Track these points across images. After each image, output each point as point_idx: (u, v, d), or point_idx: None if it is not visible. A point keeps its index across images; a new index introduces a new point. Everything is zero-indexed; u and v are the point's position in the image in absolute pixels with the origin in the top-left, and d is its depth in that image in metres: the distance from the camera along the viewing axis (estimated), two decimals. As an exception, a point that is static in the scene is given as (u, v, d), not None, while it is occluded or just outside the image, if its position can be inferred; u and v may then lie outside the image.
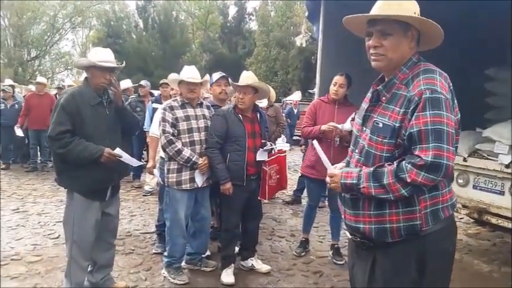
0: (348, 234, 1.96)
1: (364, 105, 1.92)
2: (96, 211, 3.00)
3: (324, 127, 3.93)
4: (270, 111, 6.18)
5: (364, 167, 1.79)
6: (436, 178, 1.60)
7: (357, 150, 1.89)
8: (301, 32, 5.93)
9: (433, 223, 1.73)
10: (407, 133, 1.65)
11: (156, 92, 8.05)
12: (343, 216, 1.96)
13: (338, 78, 4.05)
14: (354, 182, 1.75)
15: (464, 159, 4.10)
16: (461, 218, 5.64)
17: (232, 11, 33.31)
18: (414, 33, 1.75)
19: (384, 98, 1.80)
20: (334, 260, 4.21)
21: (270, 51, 29.13)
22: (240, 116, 3.62)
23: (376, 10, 1.78)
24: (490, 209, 3.91)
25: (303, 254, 4.38)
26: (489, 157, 3.90)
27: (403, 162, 1.64)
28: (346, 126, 3.85)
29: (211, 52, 30.57)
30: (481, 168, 3.97)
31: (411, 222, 1.72)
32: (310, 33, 5.85)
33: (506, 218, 3.77)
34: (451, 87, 1.72)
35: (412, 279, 1.74)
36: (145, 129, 6.12)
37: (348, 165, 1.96)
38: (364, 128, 1.86)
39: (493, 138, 3.87)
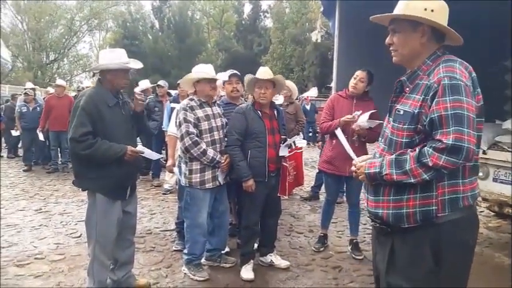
0: (369, 221, 2.05)
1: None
2: (118, 210, 3.08)
3: (342, 119, 3.92)
4: (290, 108, 6.19)
5: (387, 155, 1.86)
6: (458, 161, 1.64)
7: (382, 140, 1.99)
8: (316, 28, 5.92)
9: (449, 210, 1.76)
10: (428, 119, 1.71)
11: (173, 92, 8.15)
12: (365, 204, 2.03)
13: (359, 73, 4.04)
14: (377, 170, 1.82)
15: (484, 152, 4.05)
16: (481, 212, 5.58)
17: (247, 8, 33.41)
18: (426, 29, 1.84)
19: (407, 89, 1.89)
20: (353, 255, 4.21)
21: (286, 48, 29.10)
22: (259, 112, 3.65)
23: (394, 11, 1.95)
24: (510, 202, 3.86)
25: (321, 249, 4.40)
26: (509, 149, 3.84)
27: (425, 147, 1.69)
28: (362, 122, 3.84)
29: (226, 50, 30.70)
30: (501, 160, 3.93)
31: (427, 208, 1.76)
32: (325, 29, 5.84)
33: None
34: (473, 76, 1.77)
35: (429, 268, 1.76)
36: (163, 129, 6.20)
37: (374, 157, 2.02)
38: (390, 118, 1.95)
39: (513, 130, 3.81)
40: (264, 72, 3.70)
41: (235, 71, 4.14)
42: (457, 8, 4.30)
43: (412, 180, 1.72)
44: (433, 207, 1.76)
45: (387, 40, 1.93)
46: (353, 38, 4.74)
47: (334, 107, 4.12)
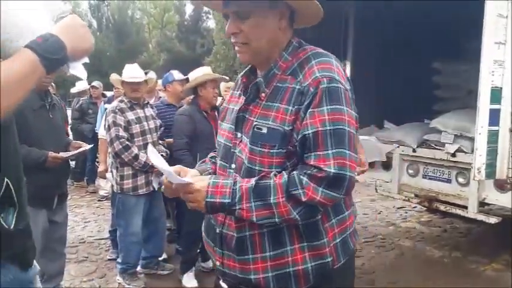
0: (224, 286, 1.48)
1: (233, 105, 1.49)
2: (43, 220, 2.86)
3: None
4: None
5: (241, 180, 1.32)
6: (338, 196, 1.22)
7: (233, 166, 1.39)
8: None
9: (343, 257, 1.37)
10: (299, 136, 1.24)
11: (109, 93, 7.83)
12: (217, 263, 1.42)
13: None
14: (227, 201, 1.25)
15: (414, 150, 4.22)
16: (414, 207, 5.83)
17: (189, 9, 33.02)
18: (285, 11, 1.33)
19: (263, 95, 1.35)
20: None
21: (229, 49, 29.03)
22: (204, 113, 3.54)
23: None
24: (439, 197, 4.05)
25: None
26: (436, 147, 4.02)
27: (295, 173, 1.23)
28: None
29: (168, 51, 30.18)
30: (429, 158, 4.10)
31: (320, 261, 1.32)
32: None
33: (453, 204, 3.91)
34: (348, 76, 1.38)
35: None
36: (96, 131, 5.93)
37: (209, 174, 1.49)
38: (240, 135, 1.38)
39: (440, 128, 3.99)
40: (209, 72, 3.63)
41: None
42: (391, 8, 4.53)
43: (276, 220, 1.23)
44: (328, 259, 1.32)
45: (229, 29, 1.33)
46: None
47: None
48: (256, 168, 1.30)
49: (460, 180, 3.85)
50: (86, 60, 1.26)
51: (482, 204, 3.68)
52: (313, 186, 1.20)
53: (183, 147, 3.45)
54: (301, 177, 1.22)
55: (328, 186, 1.20)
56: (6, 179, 1.21)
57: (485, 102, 3.00)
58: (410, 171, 4.36)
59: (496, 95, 3.02)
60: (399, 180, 4.45)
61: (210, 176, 1.37)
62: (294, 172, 1.24)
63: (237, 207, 1.25)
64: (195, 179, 1.33)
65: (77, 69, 1.24)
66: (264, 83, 1.35)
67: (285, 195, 1.21)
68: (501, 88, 3.03)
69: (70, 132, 6.37)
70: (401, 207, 6.07)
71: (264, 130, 1.30)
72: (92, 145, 3.81)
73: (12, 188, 1.24)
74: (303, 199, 1.20)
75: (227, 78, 4.10)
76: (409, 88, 5.24)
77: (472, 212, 3.67)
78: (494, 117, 3.05)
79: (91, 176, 7.24)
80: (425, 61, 4.96)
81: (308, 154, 1.23)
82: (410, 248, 4.52)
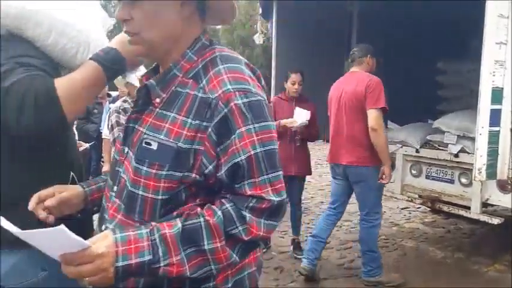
0: None
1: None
2: None
3: (283, 122, 3.97)
4: None
5: (129, 221, 1.04)
6: (277, 224, 1.03)
7: (115, 189, 1.11)
8: (257, 31, 5.94)
9: None
10: (228, 166, 0.98)
11: (114, 93, 7.88)
12: None
13: (295, 77, 4.08)
14: (147, 258, 0.91)
15: (417, 151, 4.21)
16: (418, 208, 5.82)
17: (195, 9, 33.11)
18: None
19: (158, 100, 1.07)
20: (295, 255, 4.25)
21: (235, 50, 29.01)
22: None
23: None
24: (441, 198, 4.04)
25: (264, 250, 4.39)
26: (439, 147, 4.02)
27: (230, 208, 0.98)
28: (299, 120, 3.93)
29: (175, 51, 30.30)
30: (432, 158, 4.10)
31: None
32: (266, 31, 5.88)
33: (456, 205, 3.91)
34: (263, 83, 1.14)
35: None
36: (101, 131, 5.98)
37: (105, 215, 1.12)
38: (126, 150, 1.10)
39: (443, 129, 3.99)
40: None
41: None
42: (395, 7, 4.53)
43: (213, 268, 0.97)
44: None
45: (119, 14, 1.07)
46: (291, 39, 4.80)
47: (276, 110, 4.15)
48: (140, 193, 1.02)
49: (463, 180, 3.85)
50: (139, 69, 1.46)
51: (485, 205, 3.67)
52: (256, 220, 0.98)
53: None
54: (242, 212, 0.97)
55: (269, 216, 0.99)
56: (71, 173, 1.42)
57: (486, 102, 2.99)
58: (414, 172, 4.35)
59: (497, 95, 3.01)
60: (402, 180, 4.45)
61: (110, 231, 0.95)
62: (228, 206, 0.98)
63: (163, 264, 0.92)
64: (92, 240, 0.90)
65: (131, 77, 1.41)
66: (157, 86, 1.07)
67: (223, 238, 0.95)
68: (502, 88, 3.02)
69: (75, 132, 6.42)
70: (405, 208, 6.05)
71: (154, 146, 1.01)
72: (93, 142, 3.85)
73: (76, 180, 1.42)
74: (245, 238, 0.97)
75: None
76: (413, 88, 5.24)
77: (475, 213, 3.66)
78: (495, 117, 3.04)
79: (96, 175, 7.30)
80: (429, 61, 4.95)
81: (240, 183, 0.99)
82: (413, 248, 4.51)
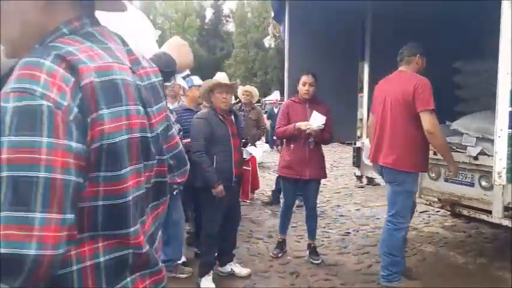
0: None
1: None
2: None
3: (298, 124, 3.93)
4: (252, 114, 6.17)
5: None
6: None
7: None
8: (268, 33, 5.92)
9: None
10: None
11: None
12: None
13: (306, 78, 4.05)
14: None
15: (435, 153, 4.12)
16: (437, 211, 5.70)
17: (209, 13, 33.29)
18: None
19: None
20: (311, 260, 4.19)
21: (249, 52, 29.24)
22: (221, 117, 3.61)
23: None
24: (461, 201, 3.94)
25: (280, 255, 4.35)
26: (458, 149, 3.92)
27: None
28: (315, 124, 3.89)
29: (189, 55, 30.53)
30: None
31: None
32: (278, 34, 5.84)
33: (477, 209, 3.80)
34: (119, 80, 0.86)
35: None
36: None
37: None
38: None
39: (461, 130, 3.90)
40: (224, 78, 3.74)
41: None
42: (410, 7, 4.46)
43: None
44: None
45: None
46: (303, 41, 4.76)
47: (289, 113, 4.13)
48: None
49: (484, 183, 3.74)
50: (188, 72, 1.58)
51: (507, 208, 3.55)
52: None
53: (200, 149, 3.51)
54: None
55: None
56: None
57: (504, 104, 2.89)
58: (432, 175, 4.26)
59: (515, 97, 2.91)
60: (420, 183, 4.36)
61: None
62: None
63: None
64: None
65: (180, 79, 1.59)
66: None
67: None
68: (521, 89, 2.93)
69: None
70: (424, 212, 5.94)
71: None
72: None
73: None
74: None
75: (236, 82, 4.16)
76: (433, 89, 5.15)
77: (497, 217, 3.56)
78: (515, 119, 2.94)
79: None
80: (445, 61, 4.85)
81: None
82: (432, 253, 4.41)
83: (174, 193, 3.55)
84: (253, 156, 3.91)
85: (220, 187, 3.49)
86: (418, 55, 3.48)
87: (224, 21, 33.54)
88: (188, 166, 1.33)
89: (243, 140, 3.82)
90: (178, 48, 1.42)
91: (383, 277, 3.49)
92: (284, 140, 4.38)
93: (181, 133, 3.81)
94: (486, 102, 4.31)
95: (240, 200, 3.79)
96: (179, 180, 1.29)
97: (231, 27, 33.72)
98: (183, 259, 4.04)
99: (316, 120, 3.92)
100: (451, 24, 5.00)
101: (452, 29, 5.00)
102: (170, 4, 36.56)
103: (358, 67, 5.59)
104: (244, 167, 3.71)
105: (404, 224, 3.49)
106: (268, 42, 5.99)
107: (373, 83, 5.17)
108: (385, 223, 3.55)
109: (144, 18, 1.65)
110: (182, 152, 1.29)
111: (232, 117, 3.79)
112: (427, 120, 3.22)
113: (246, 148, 3.80)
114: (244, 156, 3.71)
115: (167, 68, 1.33)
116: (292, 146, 4.10)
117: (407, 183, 3.39)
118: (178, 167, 1.26)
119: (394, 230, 3.44)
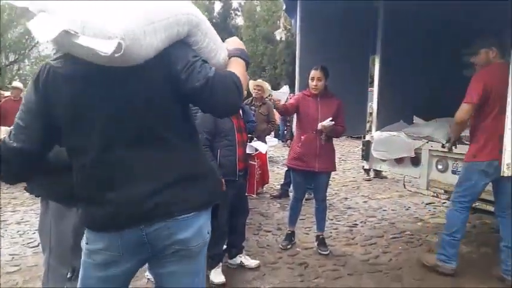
0: None
1: None
2: (73, 217, 2.98)
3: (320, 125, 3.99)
4: (263, 109, 6.21)
5: None
6: None
7: None
8: (280, 27, 5.95)
9: None
10: None
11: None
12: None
13: (314, 73, 4.08)
14: None
15: (443, 146, 4.17)
16: (443, 203, 5.73)
17: (218, 7, 33.22)
18: None
19: None
20: (319, 251, 4.26)
21: (257, 46, 29.12)
22: None
23: None
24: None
25: (288, 246, 4.42)
26: (466, 142, 3.95)
27: None
28: (326, 123, 3.95)
29: (198, 49, 30.51)
30: (459, 153, 4.03)
31: None
32: (289, 27, 5.87)
33: (482, 200, 3.85)
34: None
35: None
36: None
37: None
38: None
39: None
40: None
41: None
42: (424, 4, 4.47)
43: None
44: None
45: None
46: (315, 35, 4.79)
47: (300, 105, 4.15)
48: None
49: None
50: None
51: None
52: None
53: (203, 143, 3.50)
54: None
55: None
56: None
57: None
58: (440, 167, 4.31)
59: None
60: (428, 176, 4.41)
61: None
62: None
63: None
64: None
65: None
66: None
67: None
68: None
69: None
70: (430, 203, 5.98)
71: None
72: None
73: None
74: None
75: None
76: (439, 82, 5.16)
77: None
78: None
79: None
80: (455, 55, 4.87)
81: None
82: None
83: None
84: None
85: (222, 181, 3.50)
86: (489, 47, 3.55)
87: (233, 15, 33.43)
88: None
89: (249, 135, 3.82)
90: (238, 46, 1.69)
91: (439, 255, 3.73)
92: (295, 133, 4.43)
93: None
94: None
95: (246, 194, 3.82)
96: None
97: (239, 21, 33.61)
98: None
99: (327, 122, 3.95)
100: (462, 19, 4.99)
101: (463, 25, 5.00)
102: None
103: (369, 61, 5.61)
104: (250, 162, 3.73)
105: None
106: (280, 35, 6.01)
107: (384, 77, 5.21)
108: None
109: None
110: None
111: (240, 111, 3.83)
112: (458, 110, 3.61)
113: (251, 143, 3.80)
114: (248, 152, 3.71)
115: (248, 59, 1.66)
116: (303, 137, 4.13)
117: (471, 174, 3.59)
118: None
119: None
